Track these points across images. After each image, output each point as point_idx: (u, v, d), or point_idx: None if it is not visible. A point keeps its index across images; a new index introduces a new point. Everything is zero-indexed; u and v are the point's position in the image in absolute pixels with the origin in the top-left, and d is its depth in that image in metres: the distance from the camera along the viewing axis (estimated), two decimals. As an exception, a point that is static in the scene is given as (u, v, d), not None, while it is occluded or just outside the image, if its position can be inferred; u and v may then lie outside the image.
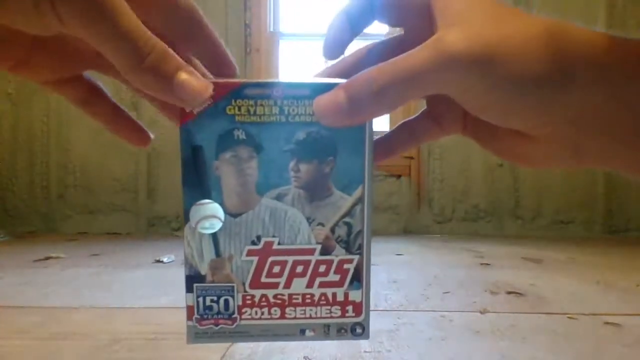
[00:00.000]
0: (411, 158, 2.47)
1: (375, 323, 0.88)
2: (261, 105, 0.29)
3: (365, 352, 0.74)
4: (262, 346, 0.76)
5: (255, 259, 0.31)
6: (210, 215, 0.30)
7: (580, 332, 0.84)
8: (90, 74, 0.35)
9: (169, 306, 1.01)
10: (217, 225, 0.30)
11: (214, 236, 0.30)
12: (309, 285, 0.31)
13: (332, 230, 0.30)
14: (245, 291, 0.31)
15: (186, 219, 0.30)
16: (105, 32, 0.23)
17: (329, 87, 0.27)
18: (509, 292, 1.13)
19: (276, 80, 0.29)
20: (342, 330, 0.32)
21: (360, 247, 0.31)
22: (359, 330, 0.33)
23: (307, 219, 0.30)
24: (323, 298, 0.32)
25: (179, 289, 1.20)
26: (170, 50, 0.25)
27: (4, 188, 2.53)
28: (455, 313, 0.95)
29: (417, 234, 2.46)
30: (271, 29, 2.60)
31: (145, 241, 2.14)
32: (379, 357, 0.72)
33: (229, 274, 0.31)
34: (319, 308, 0.32)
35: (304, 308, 0.32)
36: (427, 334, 0.82)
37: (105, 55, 0.24)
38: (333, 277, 0.31)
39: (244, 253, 0.30)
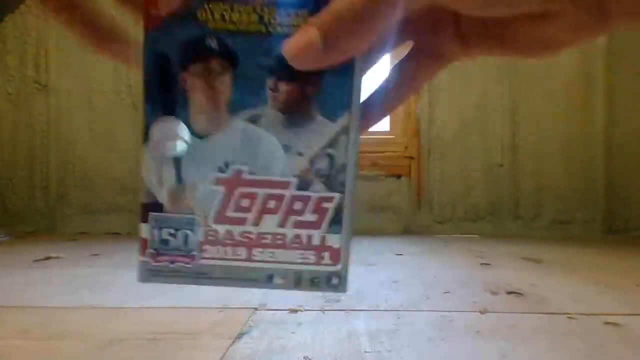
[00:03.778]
0: (411, 158, 2.47)
1: (375, 323, 0.88)
2: (238, 10, 0.24)
3: (365, 352, 0.74)
4: (262, 346, 0.76)
5: (221, 189, 0.27)
6: (174, 134, 0.26)
7: (580, 332, 0.84)
8: None
9: (169, 306, 1.01)
10: (181, 146, 0.26)
11: (176, 159, 0.26)
12: (282, 224, 0.27)
13: (312, 161, 0.26)
14: (207, 225, 0.27)
15: (145, 137, 0.27)
16: None
17: None
18: (509, 292, 1.13)
19: None
20: (316, 280, 0.28)
21: (342, 184, 0.27)
22: (334, 281, 0.29)
23: (284, 146, 0.26)
24: (296, 240, 0.27)
25: (179, 288, 1.21)
26: None
27: (4, 188, 2.53)
28: (455, 313, 0.95)
29: (417, 234, 2.46)
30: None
31: (145, 241, 2.13)
32: (379, 357, 0.71)
33: (191, 205, 0.27)
34: (291, 252, 0.28)
35: (273, 250, 0.27)
36: (427, 334, 0.82)
37: None
38: (309, 216, 0.27)
39: (210, 181, 0.26)
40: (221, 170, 0.26)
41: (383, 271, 1.40)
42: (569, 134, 2.46)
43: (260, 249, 0.28)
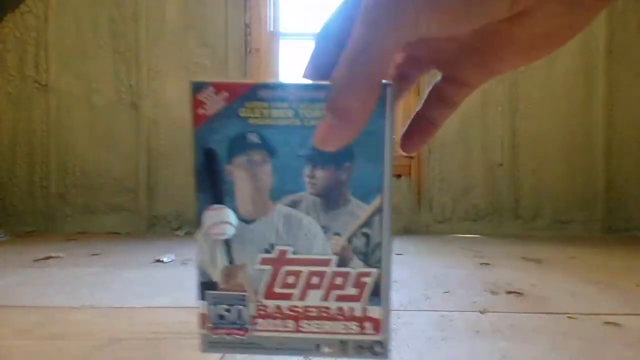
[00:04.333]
0: (411, 158, 2.47)
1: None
2: (275, 107, 0.27)
3: (365, 352, 0.73)
4: (262, 346, 0.76)
5: (269, 267, 0.29)
6: (223, 221, 0.29)
7: (580, 332, 0.84)
8: None
9: (169, 306, 1.01)
10: (230, 231, 0.29)
11: (227, 243, 0.29)
12: (325, 298, 0.30)
13: (349, 240, 0.29)
14: (258, 301, 0.30)
15: (198, 224, 0.29)
16: None
17: None
18: (509, 292, 1.13)
19: (291, 82, 0.28)
20: (360, 348, 0.30)
21: (379, 260, 0.29)
22: (378, 349, 0.30)
23: (323, 227, 0.29)
24: (340, 312, 0.30)
25: (179, 288, 1.21)
26: None
27: (4, 188, 2.53)
28: (455, 313, 0.95)
29: (417, 234, 2.46)
30: (271, 29, 2.60)
31: (145, 241, 2.14)
32: (379, 357, 0.71)
33: (242, 283, 0.30)
34: (335, 323, 0.30)
35: (319, 322, 0.30)
36: (427, 334, 0.82)
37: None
38: (350, 290, 0.30)
39: (258, 261, 0.29)
40: (267, 251, 0.29)
41: (383, 271, 1.40)
42: (569, 134, 2.46)
43: (307, 321, 0.30)
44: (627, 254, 1.78)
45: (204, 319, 0.31)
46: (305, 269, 0.29)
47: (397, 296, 1.09)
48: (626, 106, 2.44)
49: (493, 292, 1.13)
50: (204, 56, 2.49)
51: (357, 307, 0.30)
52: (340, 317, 0.30)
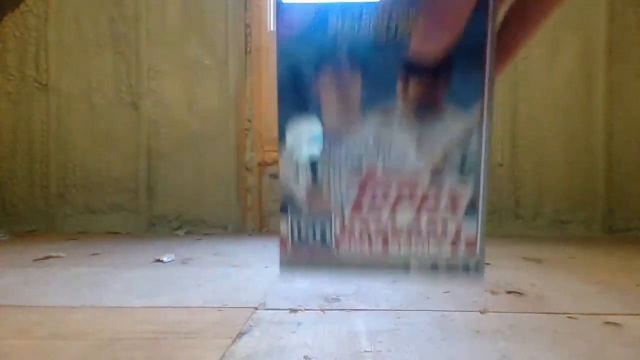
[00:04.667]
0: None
1: (375, 323, 0.88)
2: (367, 19, 0.26)
3: (365, 351, 0.74)
4: (262, 346, 0.76)
5: (356, 185, 0.27)
6: (309, 135, 0.27)
7: (580, 332, 0.84)
8: None
9: (169, 306, 1.01)
10: (316, 147, 0.27)
11: (312, 160, 0.27)
12: (416, 216, 0.28)
13: (444, 154, 0.27)
14: (344, 221, 0.28)
15: (281, 138, 0.27)
16: None
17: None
18: (509, 292, 1.13)
19: None
20: (452, 267, 0.29)
21: (476, 174, 0.27)
22: (472, 268, 0.29)
23: (417, 140, 0.26)
24: (432, 231, 0.28)
25: (179, 288, 1.20)
26: None
27: (4, 187, 2.53)
28: (455, 313, 0.95)
29: (417, 234, 2.46)
30: (271, 29, 2.60)
31: (145, 241, 2.14)
32: (379, 357, 0.71)
33: (327, 202, 0.27)
34: (426, 242, 0.28)
35: (409, 242, 0.28)
36: (427, 334, 0.82)
37: None
38: (444, 207, 0.28)
39: (345, 178, 0.27)
40: (355, 168, 0.27)
41: (383, 271, 1.40)
42: (569, 134, 2.46)
43: (396, 242, 0.28)
44: (627, 254, 1.78)
45: (285, 241, 0.29)
46: (395, 187, 0.27)
47: (397, 296, 1.09)
48: (626, 106, 2.44)
49: (493, 292, 1.13)
50: (204, 56, 2.49)
51: (450, 225, 0.28)
52: (433, 237, 0.28)
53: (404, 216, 0.28)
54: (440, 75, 0.26)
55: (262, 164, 2.49)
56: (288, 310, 0.97)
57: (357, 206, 0.27)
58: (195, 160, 2.50)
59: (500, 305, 1.01)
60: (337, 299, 1.06)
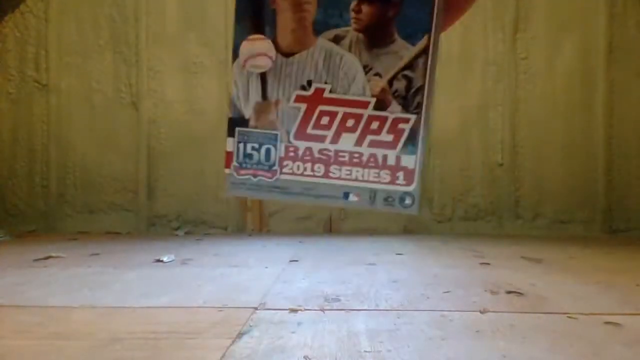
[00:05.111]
0: (411, 158, 2.47)
1: (375, 323, 0.88)
2: None
3: (365, 351, 0.74)
4: (262, 346, 0.76)
5: (303, 106, 0.28)
6: (261, 52, 0.27)
7: (580, 332, 0.84)
8: None
9: (169, 306, 1.01)
10: (268, 63, 0.27)
11: (262, 76, 0.27)
12: (359, 142, 0.28)
13: (390, 82, 0.27)
14: (289, 141, 0.29)
15: (235, 55, 0.28)
16: None
17: None
18: (509, 292, 1.13)
19: None
20: (390, 199, 0.29)
21: (419, 105, 0.28)
22: (408, 201, 0.30)
23: (364, 67, 0.27)
24: (372, 160, 0.29)
25: (179, 288, 1.20)
26: None
27: (4, 188, 2.53)
28: (455, 313, 0.95)
29: (417, 234, 2.46)
30: (271, 29, 2.60)
31: (145, 241, 2.14)
32: (379, 357, 0.71)
33: (274, 120, 0.28)
34: (366, 170, 0.29)
35: (350, 168, 0.29)
36: (427, 334, 0.82)
37: None
38: (386, 136, 0.28)
39: (293, 98, 0.28)
40: (304, 88, 0.27)
41: (383, 271, 1.40)
42: (569, 134, 2.46)
43: (337, 166, 0.29)
44: (627, 254, 1.78)
45: (230, 157, 0.29)
46: (341, 110, 0.28)
47: (397, 296, 1.09)
48: (626, 106, 2.44)
49: (493, 292, 1.13)
50: (204, 56, 2.49)
51: (390, 155, 0.29)
52: (372, 165, 0.29)
53: (347, 142, 0.28)
54: (391, 3, 0.26)
55: (262, 164, 2.49)
56: (288, 310, 0.97)
57: (302, 126, 0.28)
58: (195, 160, 2.50)
59: (500, 305, 1.01)
60: (337, 299, 1.06)
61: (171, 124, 2.50)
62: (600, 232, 2.44)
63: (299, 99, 0.27)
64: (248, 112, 0.28)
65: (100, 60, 2.51)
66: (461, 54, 2.43)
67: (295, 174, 0.28)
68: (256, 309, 0.98)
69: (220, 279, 1.29)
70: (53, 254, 1.66)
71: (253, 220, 2.51)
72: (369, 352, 0.73)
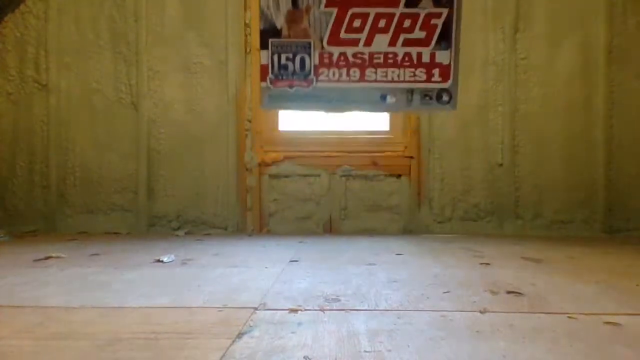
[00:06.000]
0: (411, 158, 2.46)
1: (375, 323, 0.88)
2: None
3: (365, 351, 0.74)
4: (262, 346, 0.76)
5: (334, 10, 0.27)
6: None
7: (580, 332, 0.84)
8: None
9: (169, 306, 1.01)
10: None
11: None
12: (392, 43, 0.28)
13: None
14: (322, 48, 0.28)
15: None
16: None
17: None
18: (509, 292, 1.13)
19: None
20: (427, 97, 0.29)
21: (449, 3, 0.26)
22: (445, 98, 0.29)
23: None
24: (407, 59, 0.28)
25: (179, 288, 1.21)
26: None
27: (4, 188, 2.53)
28: (455, 313, 0.95)
29: (417, 234, 2.46)
30: (271, 29, 2.60)
31: (145, 241, 2.14)
32: (378, 357, 0.72)
33: (306, 28, 0.28)
34: (402, 70, 0.28)
35: (385, 69, 0.28)
36: (427, 334, 0.82)
37: None
38: (418, 34, 0.28)
39: (323, 3, 0.27)
40: None
41: (383, 271, 1.40)
42: (569, 134, 2.46)
43: (372, 69, 0.28)
44: (627, 254, 1.78)
45: (265, 70, 0.29)
46: (372, 11, 0.27)
47: (397, 296, 1.09)
48: (626, 106, 2.44)
49: (493, 292, 1.13)
50: (204, 56, 2.49)
51: (424, 52, 0.28)
52: (407, 64, 0.28)
53: (381, 43, 0.28)
54: None
55: (262, 164, 2.49)
56: (288, 311, 0.97)
57: (335, 31, 0.28)
58: (195, 161, 2.50)
59: (500, 305, 1.01)
60: (337, 299, 1.06)
61: (171, 124, 2.50)
62: (600, 232, 2.44)
63: (330, 3, 0.27)
64: (280, 22, 0.27)
65: (100, 60, 2.51)
66: (461, 53, 2.43)
67: (332, 81, 0.27)
68: (256, 309, 0.98)
69: (220, 279, 1.29)
70: (53, 254, 1.66)
71: (253, 220, 2.51)
72: (369, 352, 0.73)
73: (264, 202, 2.51)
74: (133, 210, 2.52)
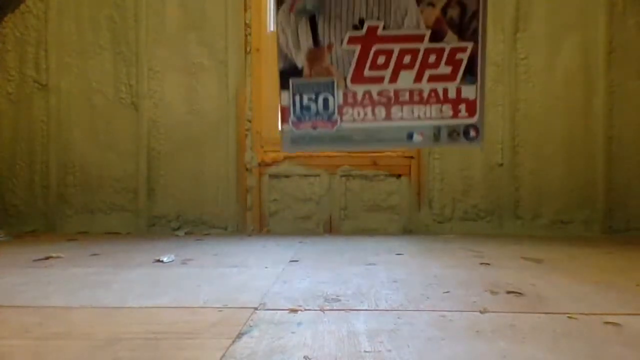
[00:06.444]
0: (411, 157, 2.47)
1: (375, 323, 0.88)
2: None
3: (365, 351, 0.74)
4: (262, 346, 0.76)
5: (357, 47, 0.27)
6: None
7: (580, 332, 0.84)
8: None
9: (169, 306, 1.01)
10: (316, 5, 0.26)
11: (312, 20, 0.27)
12: (417, 79, 0.28)
13: (444, 11, 0.26)
14: (346, 87, 0.28)
15: (278, 2, 0.27)
16: None
17: None
18: (509, 292, 1.13)
19: None
20: (455, 134, 0.29)
21: (474, 32, 0.27)
22: (472, 134, 0.29)
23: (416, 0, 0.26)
24: (433, 95, 0.28)
25: (179, 288, 1.21)
26: None
27: (4, 188, 2.53)
28: (455, 313, 0.95)
29: (417, 234, 2.46)
30: (271, 29, 2.60)
31: (145, 241, 2.14)
32: (379, 357, 0.71)
33: (329, 67, 0.27)
34: (428, 107, 0.28)
35: (411, 107, 0.28)
36: (427, 334, 0.82)
37: None
38: (444, 69, 0.28)
39: (345, 40, 0.27)
40: (356, 28, 0.27)
41: (383, 271, 1.40)
42: (569, 134, 2.46)
43: (398, 107, 0.28)
44: (627, 254, 1.78)
45: (286, 113, 0.29)
46: (396, 47, 0.27)
47: (397, 296, 1.09)
48: (626, 106, 2.44)
49: (493, 292, 1.13)
50: (204, 56, 2.49)
51: (450, 88, 0.28)
52: (433, 100, 0.28)
53: (406, 80, 0.28)
54: None
55: (262, 164, 2.49)
56: (288, 311, 0.97)
57: (358, 69, 0.28)
58: (195, 161, 2.50)
59: (500, 305, 1.01)
60: (337, 299, 1.06)
61: (171, 124, 2.50)
62: (600, 232, 2.44)
63: (353, 40, 0.27)
64: (300, 61, 0.27)
65: (100, 60, 2.52)
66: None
67: (357, 121, 0.28)
68: (256, 309, 0.98)
69: (220, 279, 1.29)
70: (53, 254, 1.66)
71: (253, 220, 2.51)
72: (369, 352, 0.73)
73: (264, 202, 2.51)
74: (133, 210, 2.52)
